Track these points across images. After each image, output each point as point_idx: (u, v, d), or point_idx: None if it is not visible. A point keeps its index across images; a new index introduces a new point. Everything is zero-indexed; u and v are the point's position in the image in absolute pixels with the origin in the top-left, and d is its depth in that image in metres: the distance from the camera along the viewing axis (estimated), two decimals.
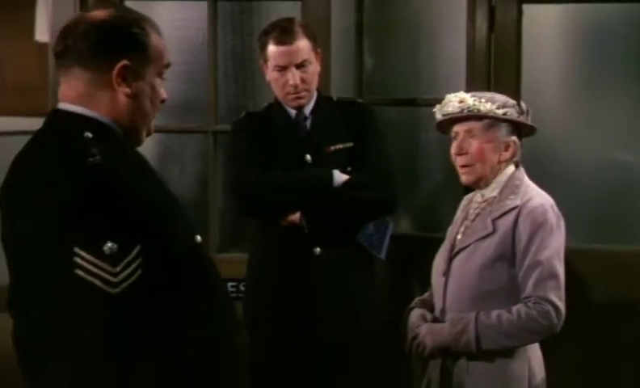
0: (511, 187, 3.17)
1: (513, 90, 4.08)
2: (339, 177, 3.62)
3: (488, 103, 3.15)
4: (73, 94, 2.31)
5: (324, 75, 3.93)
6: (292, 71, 3.68)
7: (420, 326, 3.19)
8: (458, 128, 3.20)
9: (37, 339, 2.19)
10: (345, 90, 4.41)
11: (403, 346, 3.27)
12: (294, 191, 3.64)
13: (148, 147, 4.48)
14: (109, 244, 2.11)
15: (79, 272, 2.09)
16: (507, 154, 3.19)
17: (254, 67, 3.87)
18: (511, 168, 3.22)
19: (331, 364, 3.59)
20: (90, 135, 2.23)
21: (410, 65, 4.55)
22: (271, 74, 3.74)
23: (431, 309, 3.28)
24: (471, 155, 3.17)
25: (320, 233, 3.61)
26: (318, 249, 3.62)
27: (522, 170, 3.24)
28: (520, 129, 3.22)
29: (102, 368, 2.09)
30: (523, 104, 3.24)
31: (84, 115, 2.29)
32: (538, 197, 3.15)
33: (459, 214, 3.37)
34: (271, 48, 3.70)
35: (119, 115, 2.32)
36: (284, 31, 3.69)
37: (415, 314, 3.27)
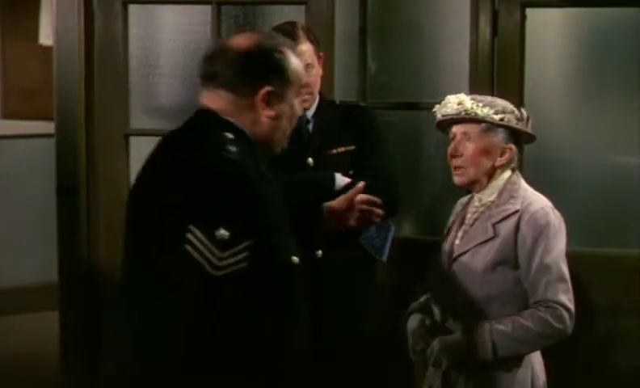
0: (509, 191, 3.16)
1: (516, 94, 4.09)
2: (341, 180, 3.62)
3: (486, 107, 3.15)
4: (218, 107, 2.52)
5: (328, 79, 3.94)
6: None
7: (434, 340, 3.14)
8: (456, 130, 3.21)
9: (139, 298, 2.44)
10: (348, 94, 4.42)
11: (405, 350, 3.27)
12: (296, 194, 3.64)
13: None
14: (222, 231, 2.31)
15: (188, 247, 2.30)
16: (502, 160, 3.18)
17: None
18: (508, 172, 3.21)
19: (332, 365, 3.60)
20: (230, 135, 2.47)
21: (414, 70, 4.55)
22: None
23: (430, 313, 3.27)
24: (465, 158, 3.18)
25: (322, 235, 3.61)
26: (320, 251, 3.62)
27: (519, 174, 3.23)
28: (519, 136, 3.22)
29: (186, 337, 2.30)
30: (523, 111, 3.24)
31: (226, 120, 2.51)
32: (538, 201, 3.15)
33: (453, 218, 3.37)
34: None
35: (259, 133, 2.55)
36: (286, 35, 3.70)
37: (415, 321, 3.26)
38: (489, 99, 3.25)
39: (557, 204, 3.22)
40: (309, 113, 3.77)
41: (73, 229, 4.38)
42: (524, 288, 3.11)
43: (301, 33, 3.70)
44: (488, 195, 3.20)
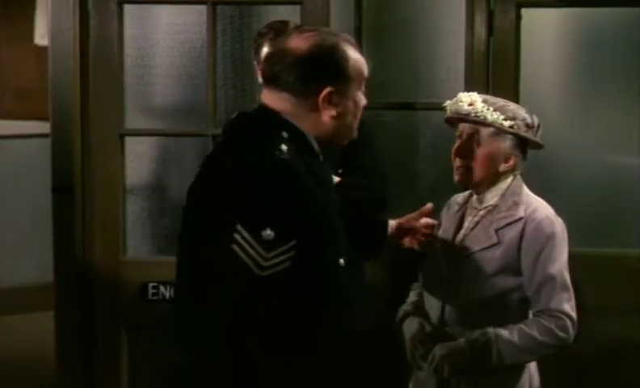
0: (511, 196, 3.14)
1: (511, 94, 4.09)
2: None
3: (497, 112, 3.12)
4: (280, 108, 2.54)
5: None
6: None
7: (435, 347, 3.08)
8: (463, 129, 3.17)
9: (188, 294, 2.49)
10: None
11: (403, 350, 3.23)
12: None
13: (147, 150, 4.54)
14: (268, 231, 2.36)
15: (235, 247, 2.35)
16: (506, 166, 3.15)
17: (253, 71, 3.87)
18: (511, 177, 3.18)
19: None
20: (285, 135, 2.50)
21: (409, 69, 4.55)
22: None
23: (425, 314, 3.23)
24: (470, 159, 3.14)
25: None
26: None
27: (520, 179, 3.20)
28: (526, 143, 3.20)
29: (224, 334, 2.37)
30: (535, 118, 3.19)
31: (285, 119, 2.52)
32: (542, 208, 3.13)
33: (450, 218, 3.31)
34: (265, 51, 3.71)
35: (322, 133, 2.57)
36: (279, 33, 3.70)
37: (413, 325, 3.21)
38: (501, 102, 3.19)
39: (556, 204, 3.22)
40: None
41: (68, 228, 4.37)
42: (526, 296, 3.10)
43: (291, 32, 3.70)
44: (490, 198, 3.17)
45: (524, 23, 4.21)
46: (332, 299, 2.50)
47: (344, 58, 2.56)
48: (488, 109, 3.12)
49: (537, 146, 3.23)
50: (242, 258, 2.35)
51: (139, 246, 4.52)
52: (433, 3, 4.57)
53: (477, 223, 3.17)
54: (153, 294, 4.34)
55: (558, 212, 3.18)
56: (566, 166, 4.33)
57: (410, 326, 3.22)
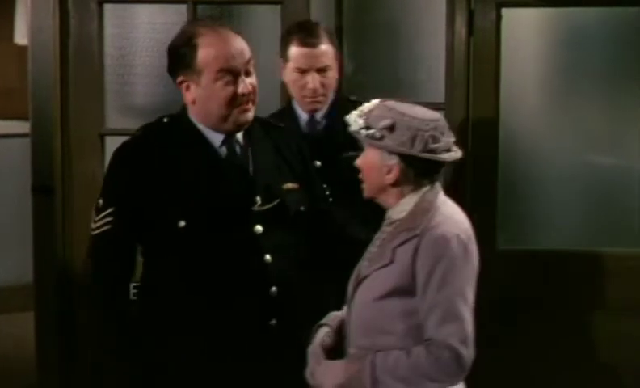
0: (419, 210, 2.80)
1: (492, 93, 4.12)
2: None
3: (362, 118, 2.81)
4: None
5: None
6: (313, 75, 3.69)
7: (320, 363, 2.87)
8: None
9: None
10: None
11: None
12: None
13: None
14: (100, 200, 2.99)
15: None
16: (389, 178, 2.81)
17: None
18: (424, 188, 2.83)
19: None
20: (166, 120, 3.04)
21: (390, 69, 4.56)
22: (290, 75, 3.76)
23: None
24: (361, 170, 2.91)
25: None
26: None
27: (436, 189, 2.84)
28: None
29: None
30: (441, 131, 2.79)
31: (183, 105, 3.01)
32: (444, 224, 2.76)
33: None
34: (294, 49, 3.71)
35: (197, 118, 2.96)
36: (309, 34, 3.70)
37: (319, 337, 2.96)
38: (398, 109, 2.80)
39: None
40: (319, 114, 3.76)
41: (48, 229, 4.36)
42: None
43: (323, 33, 3.71)
44: (397, 214, 2.85)
45: (504, 22, 4.22)
46: (174, 254, 2.91)
47: (193, 49, 2.86)
48: (353, 115, 2.84)
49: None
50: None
51: None
52: (414, 4, 4.59)
53: (384, 240, 2.88)
54: (134, 294, 4.32)
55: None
56: (547, 165, 4.33)
57: (317, 338, 2.97)
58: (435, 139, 2.76)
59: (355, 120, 2.81)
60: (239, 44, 2.95)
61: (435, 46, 4.34)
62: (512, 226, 4.28)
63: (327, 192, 3.39)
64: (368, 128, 2.78)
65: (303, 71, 3.70)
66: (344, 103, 3.77)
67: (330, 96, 3.78)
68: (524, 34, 4.40)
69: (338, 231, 3.27)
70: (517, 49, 4.31)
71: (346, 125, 2.85)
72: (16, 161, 5.98)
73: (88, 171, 4.35)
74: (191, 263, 2.96)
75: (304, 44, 3.69)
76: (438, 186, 2.86)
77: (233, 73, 2.91)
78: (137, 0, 4.46)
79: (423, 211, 2.78)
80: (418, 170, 2.80)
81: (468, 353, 2.69)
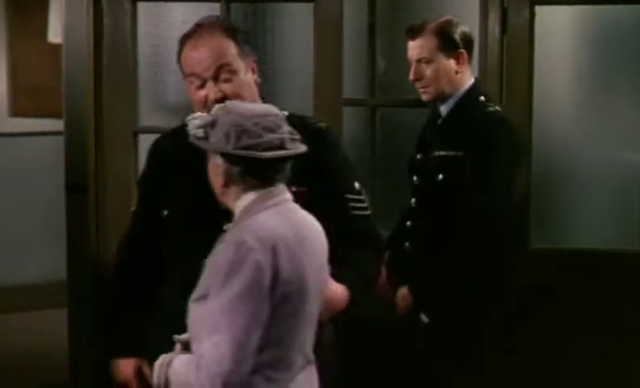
0: (243, 212, 2.66)
1: (525, 92, 4.11)
2: None
3: (197, 119, 2.69)
4: None
5: (336, 76, 3.92)
6: None
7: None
8: None
9: None
10: (357, 92, 4.42)
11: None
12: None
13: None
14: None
15: None
16: (220, 179, 2.68)
17: (267, 68, 3.87)
18: (261, 190, 2.65)
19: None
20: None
21: None
22: None
23: None
24: None
25: None
26: None
27: (273, 192, 2.65)
28: (241, 157, 2.63)
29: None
30: (259, 127, 2.63)
31: None
32: (240, 232, 2.59)
33: None
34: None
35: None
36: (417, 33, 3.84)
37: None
38: (223, 108, 2.71)
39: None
40: (444, 108, 3.87)
41: (81, 226, 4.38)
42: None
43: (427, 26, 3.82)
44: (235, 216, 2.71)
45: (537, 20, 4.21)
46: (164, 240, 3.11)
47: (180, 51, 3.05)
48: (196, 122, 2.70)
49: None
50: None
51: None
52: (446, 1, 4.58)
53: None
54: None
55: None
56: (581, 163, 4.31)
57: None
58: (252, 135, 2.60)
59: (191, 123, 2.71)
60: (204, 53, 2.97)
61: None
62: (548, 225, 4.27)
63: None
64: (200, 127, 2.68)
65: None
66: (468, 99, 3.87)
67: (442, 88, 3.87)
68: (558, 32, 4.39)
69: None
70: (550, 47, 4.30)
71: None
72: (50, 159, 6.01)
73: (121, 169, 4.37)
74: (170, 254, 3.13)
75: None
76: (280, 188, 2.68)
77: (200, 79, 2.98)
78: None
79: (243, 213, 2.64)
80: (242, 169, 2.63)
81: (218, 369, 2.50)
